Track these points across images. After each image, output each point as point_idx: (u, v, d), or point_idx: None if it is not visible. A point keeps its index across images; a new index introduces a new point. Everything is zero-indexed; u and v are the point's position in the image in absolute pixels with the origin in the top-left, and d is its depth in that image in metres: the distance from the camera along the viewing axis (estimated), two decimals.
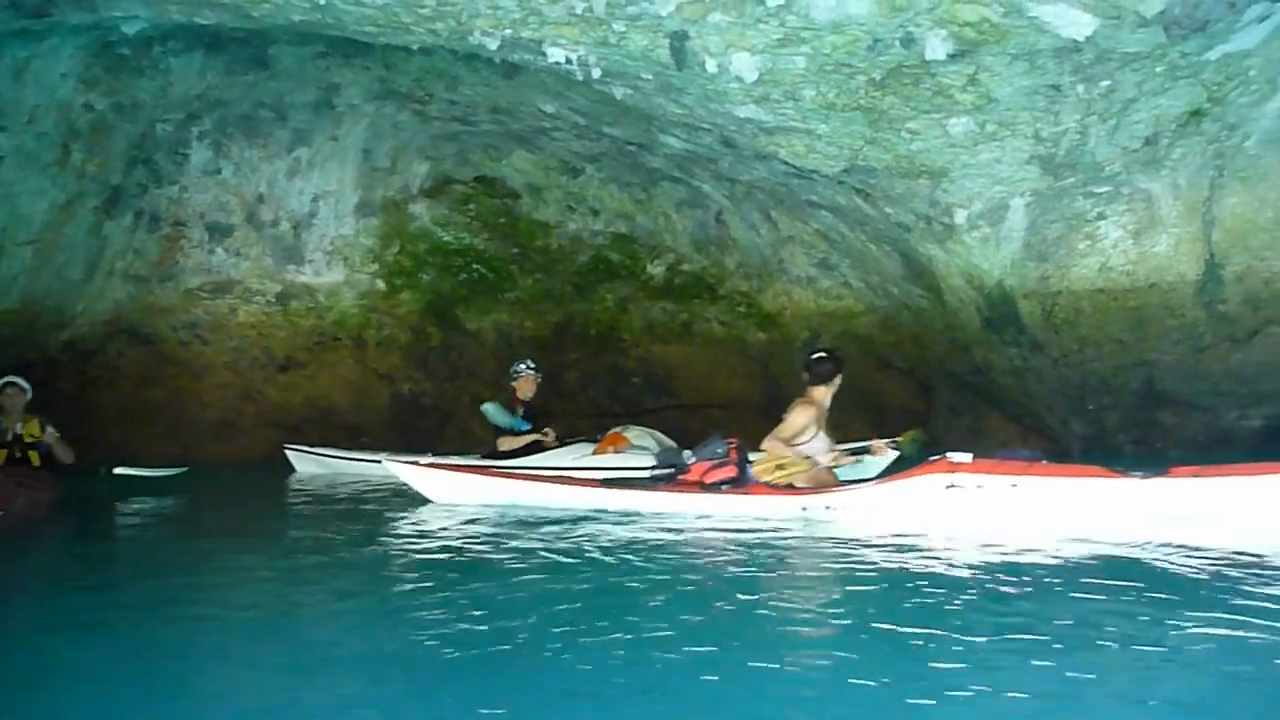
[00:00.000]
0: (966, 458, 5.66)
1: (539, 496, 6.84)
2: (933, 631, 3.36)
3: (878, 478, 6.39)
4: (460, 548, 5.39)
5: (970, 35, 6.18)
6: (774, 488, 6.25)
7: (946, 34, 6.20)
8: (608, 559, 4.88)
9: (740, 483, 6.34)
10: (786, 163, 8.04)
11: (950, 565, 4.49)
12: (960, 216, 8.08)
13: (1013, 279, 8.44)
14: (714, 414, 11.46)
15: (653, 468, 6.94)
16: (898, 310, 10.32)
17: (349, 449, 10.12)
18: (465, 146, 11.47)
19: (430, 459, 8.23)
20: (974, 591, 3.97)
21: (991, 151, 7.37)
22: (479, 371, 11.47)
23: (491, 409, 8.99)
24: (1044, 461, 5.75)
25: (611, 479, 6.94)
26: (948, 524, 5.54)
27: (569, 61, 7.07)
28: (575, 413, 11.84)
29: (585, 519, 6.19)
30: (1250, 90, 6.83)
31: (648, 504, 6.47)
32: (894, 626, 3.46)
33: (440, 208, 11.84)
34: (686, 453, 6.63)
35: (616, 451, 7.95)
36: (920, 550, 4.91)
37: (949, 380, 10.51)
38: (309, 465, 9.96)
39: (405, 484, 7.33)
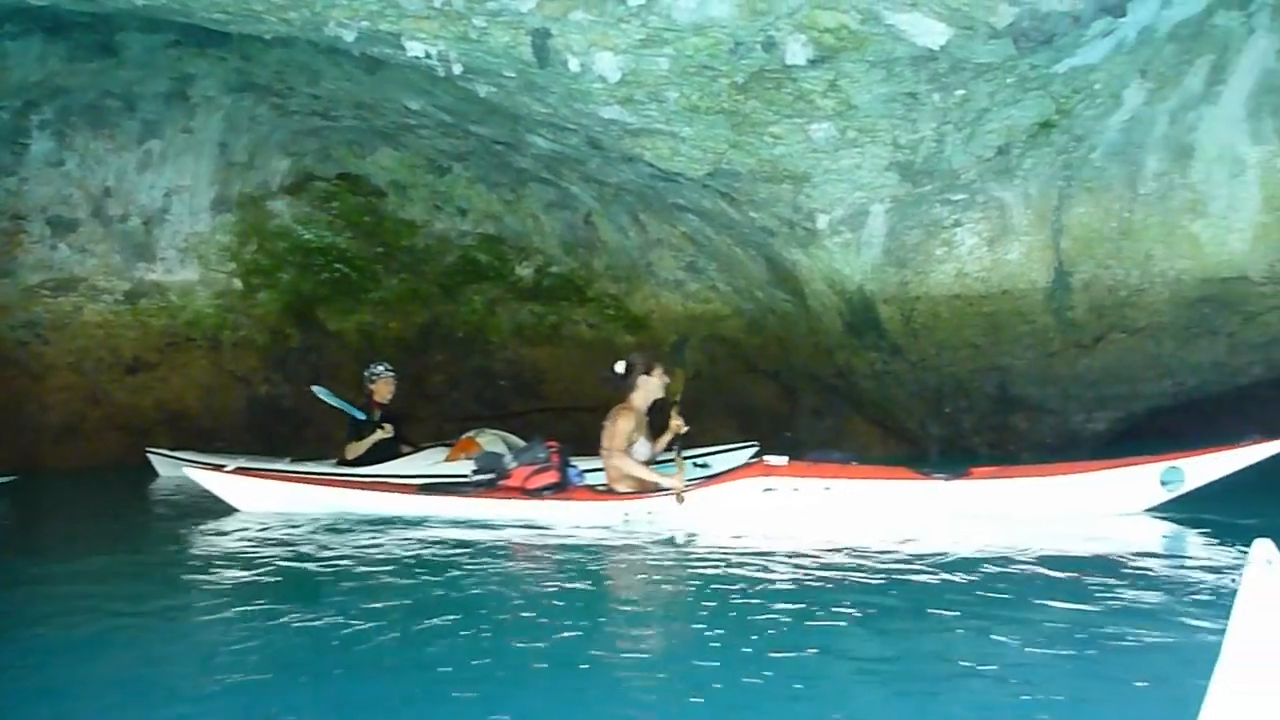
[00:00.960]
0: (782, 461, 5.92)
1: (352, 504, 6.68)
2: (747, 634, 3.52)
3: (697, 481, 6.52)
4: (268, 559, 5.28)
5: (830, 41, 6.24)
6: (596, 492, 6.28)
7: (807, 39, 6.23)
8: (421, 570, 4.87)
9: (562, 488, 6.32)
10: (652, 165, 8.00)
11: (764, 568, 4.65)
12: (822, 222, 8.17)
13: (873, 284, 8.58)
14: (583, 417, 11.34)
15: (474, 473, 6.78)
16: (763, 314, 10.41)
17: (205, 453, 9.72)
18: (328, 142, 11.13)
19: (238, 464, 7.77)
20: (787, 591, 4.19)
21: (852, 158, 7.45)
22: (340, 374, 11.12)
23: (322, 390, 8.83)
24: (854, 464, 6.06)
25: (431, 484, 6.81)
26: (765, 526, 5.76)
27: (429, 56, 6.88)
28: (441, 416, 11.62)
29: (405, 525, 6.15)
30: (1095, 104, 7.07)
31: (468, 510, 6.40)
32: (712, 630, 3.61)
33: (301, 205, 11.46)
34: (507, 457, 6.58)
35: (468, 458, 7.80)
36: (738, 553, 5.11)
37: (813, 383, 10.65)
38: (172, 470, 9.54)
39: (211, 493, 7.05)
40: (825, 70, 6.55)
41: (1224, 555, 4.78)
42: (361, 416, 8.78)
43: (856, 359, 9.48)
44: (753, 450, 8.43)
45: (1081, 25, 5.91)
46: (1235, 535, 5.07)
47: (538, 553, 5.39)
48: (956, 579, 4.35)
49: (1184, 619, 3.54)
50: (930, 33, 6.06)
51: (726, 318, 11.02)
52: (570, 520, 6.09)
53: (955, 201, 7.91)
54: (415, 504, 6.54)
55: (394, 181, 11.48)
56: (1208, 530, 5.33)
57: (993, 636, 3.46)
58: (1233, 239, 7.61)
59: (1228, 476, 5.51)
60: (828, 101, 6.87)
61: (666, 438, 6.66)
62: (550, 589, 4.43)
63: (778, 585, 4.31)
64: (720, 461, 8.34)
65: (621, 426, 6.33)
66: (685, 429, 6.66)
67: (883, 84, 6.66)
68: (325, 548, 5.48)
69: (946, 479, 5.80)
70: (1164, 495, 5.66)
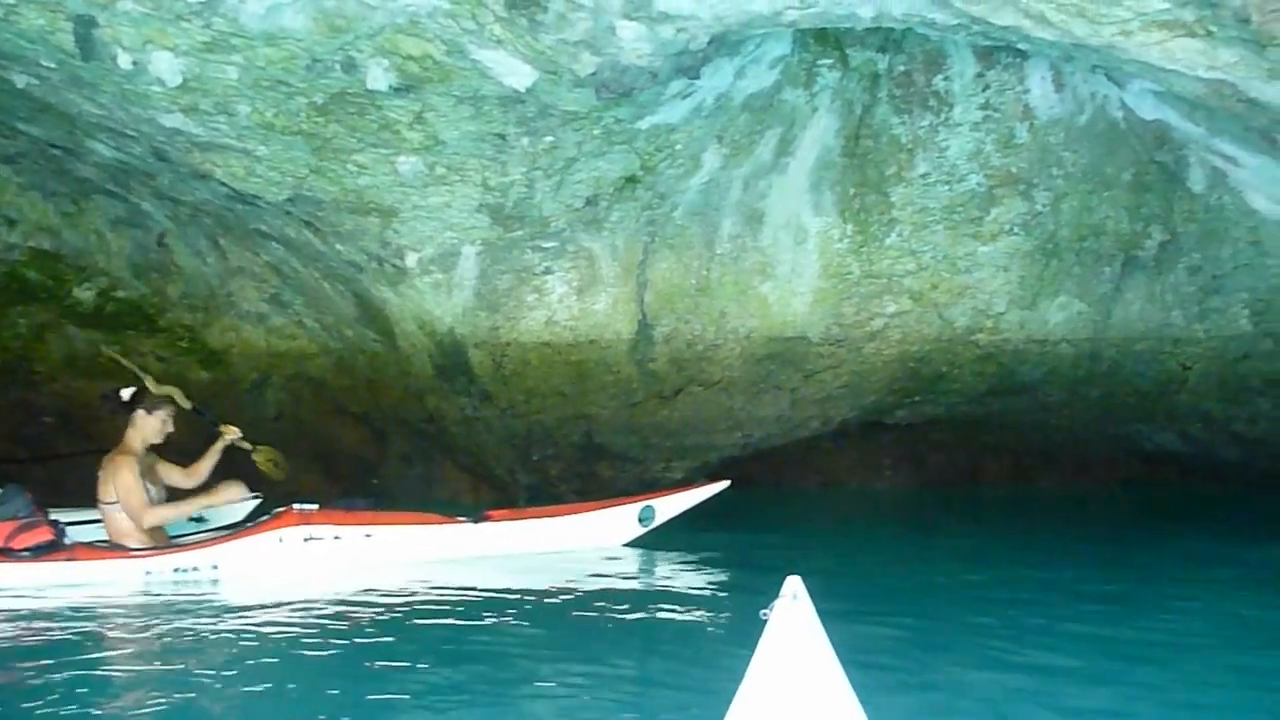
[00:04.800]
0: (312, 508, 5.99)
1: None
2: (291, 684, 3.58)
3: (227, 530, 6.20)
4: None
5: (414, 70, 5.98)
6: (105, 550, 5.58)
7: (389, 65, 5.93)
8: None
9: (59, 547, 5.50)
10: (225, 184, 7.33)
11: (317, 616, 4.70)
12: (412, 260, 7.86)
13: (464, 327, 8.37)
14: None
15: None
16: (353, 354, 9.89)
17: None
18: None
19: None
20: (338, 638, 4.29)
21: (442, 195, 7.22)
22: None
23: None
24: (365, 509, 6.39)
25: None
26: (308, 574, 5.80)
27: None
28: None
29: None
30: (677, 163, 7.31)
31: None
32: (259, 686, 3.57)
33: None
34: None
35: None
36: (283, 605, 5.08)
37: (403, 428, 10.26)
38: None
39: None
40: (411, 101, 6.27)
41: (698, 583, 6.02)
42: None
43: (447, 404, 9.22)
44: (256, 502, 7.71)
45: (660, 82, 6.04)
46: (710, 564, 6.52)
47: (37, 627, 4.61)
48: (487, 617, 4.75)
49: (679, 643, 4.11)
50: (516, 73, 5.96)
51: (313, 356, 10.36)
52: (77, 581, 5.32)
53: (546, 249, 7.88)
54: None
55: None
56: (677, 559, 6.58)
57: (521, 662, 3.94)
58: (795, 301, 8.16)
59: (688, 510, 7.03)
60: (414, 134, 6.59)
61: (212, 459, 6.19)
62: (50, 666, 3.77)
63: (332, 635, 4.32)
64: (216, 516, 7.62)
65: (127, 480, 5.65)
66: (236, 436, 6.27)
67: (471, 121, 6.49)
68: None
69: (472, 522, 6.40)
70: (641, 530, 6.98)
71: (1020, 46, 5.74)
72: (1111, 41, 4.60)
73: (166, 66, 5.91)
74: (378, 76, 5.99)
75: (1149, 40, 4.52)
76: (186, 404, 6.68)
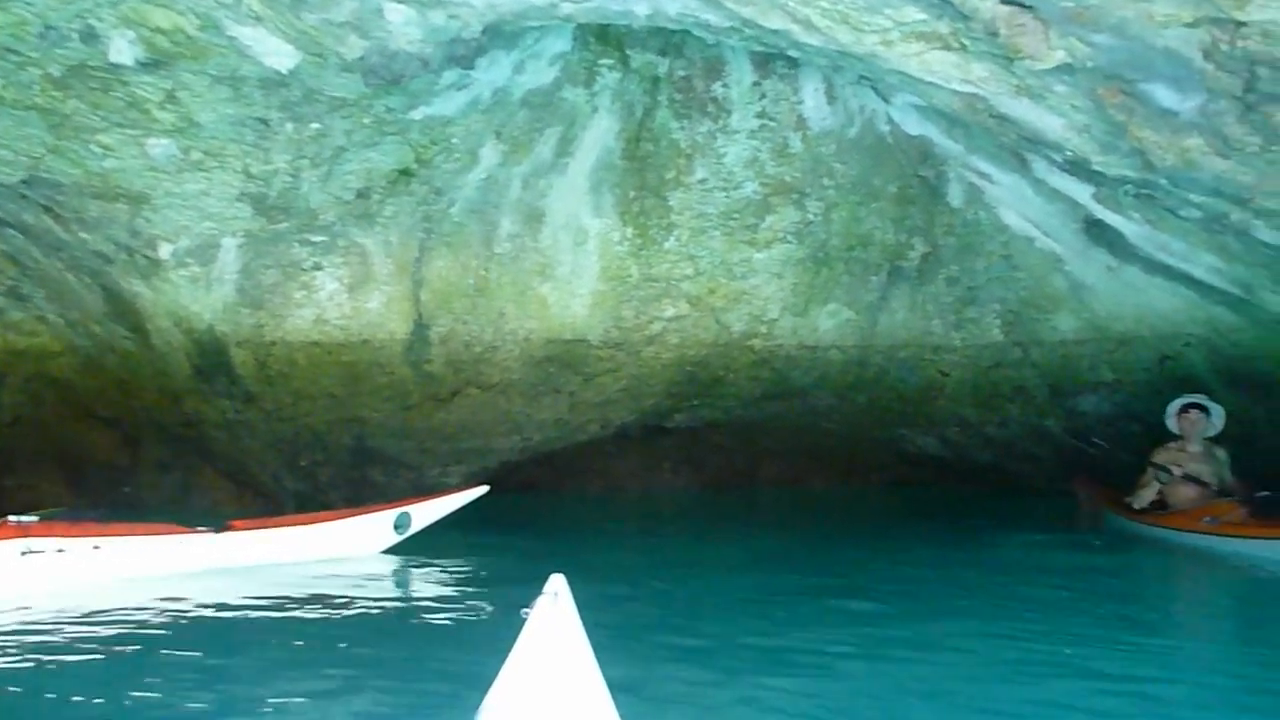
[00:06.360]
0: (32, 519, 5.49)
1: None
2: None
3: None
4: None
5: (164, 44, 5.54)
6: None
7: (136, 37, 5.47)
8: None
9: None
10: None
11: (35, 640, 4.29)
12: (165, 251, 7.32)
13: (225, 325, 7.86)
14: None
15: None
16: (102, 352, 9.14)
17: None
18: None
19: None
20: (57, 666, 3.94)
21: (198, 182, 6.74)
22: None
23: None
24: (92, 520, 5.86)
25: None
26: (26, 592, 5.25)
27: None
28: None
29: None
30: (453, 158, 7.11)
31: None
32: None
33: None
34: None
35: None
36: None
37: (158, 432, 9.56)
38: None
39: None
40: (161, 77, 5.81)
41: (459, 586, 5.93)
42: None
43: (207, 406, 8.64)
44: None
45: (432, 71, 5.84)
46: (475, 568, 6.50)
47: None
48: (231, 633, 4.53)
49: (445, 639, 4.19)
50: (278, 54, 5.63)
51: (57, 355, 9.50)
52: None
53: (315, 243, 7.50)
54: None
55: None
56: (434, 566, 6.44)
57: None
58: (575, 303, 8.08)
59: (450, 516, 6.91)
60: (167, 114, 6.12)
61: None
62: None
63: (50, 664, 3.98)
64: None
65: None
66: None
67: (230, 104, 6.09)
68: None
69: (214, 532, 6.07)
70: (397, 537, 6.82)
71: (792, 54, 5.85)
72: (874, 50, 4.73)
73: None
74: (122, 49, 5.52)
75: (908, 51, 4.67)
76: None
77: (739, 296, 8.37)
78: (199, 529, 6.05)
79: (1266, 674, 4.05)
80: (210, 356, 8.12)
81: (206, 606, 5.04)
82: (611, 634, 2.85)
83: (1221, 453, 7.87)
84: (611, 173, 7.63)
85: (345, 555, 6.58)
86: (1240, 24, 3.89)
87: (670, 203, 7.79)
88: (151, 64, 5.66)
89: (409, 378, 8.24)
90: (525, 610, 2.40)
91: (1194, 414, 7.84)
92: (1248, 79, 4.14)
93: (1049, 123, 5.20)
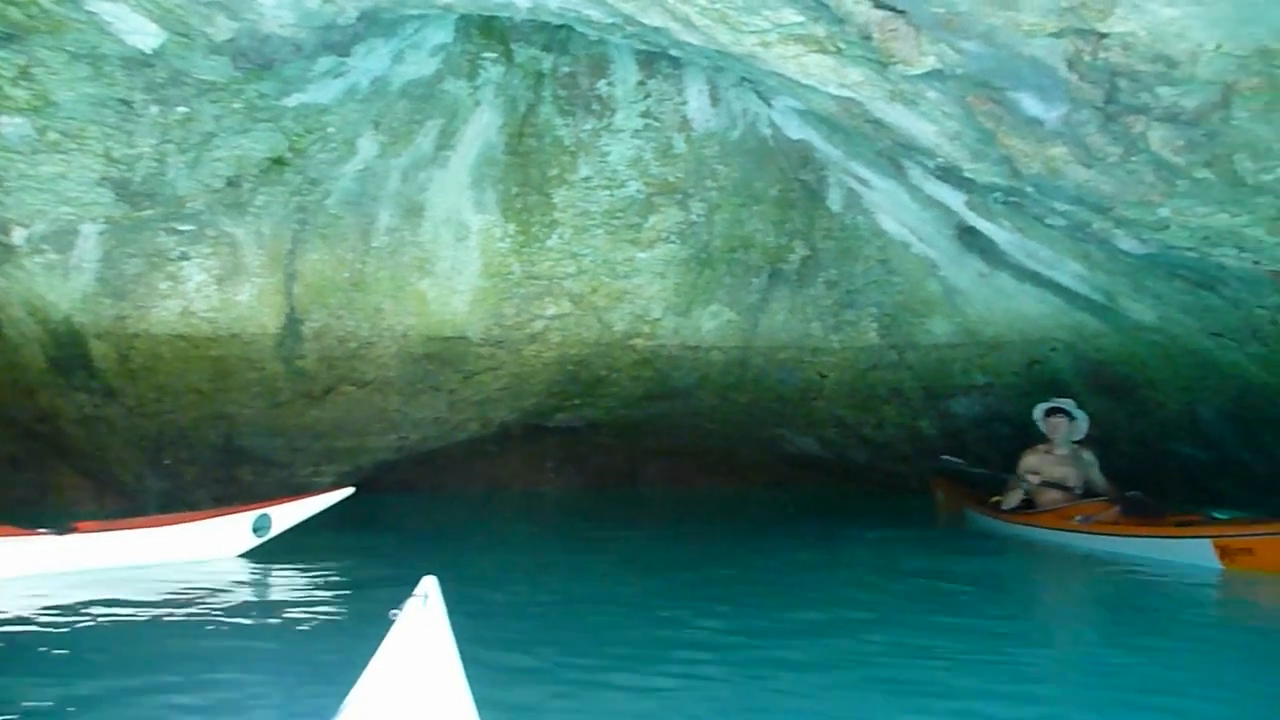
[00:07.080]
0: None
1: None
2: None
3: None
4: None
5: (17, 17, 5.23)
6: None
7: None
8: None
9: None
10: None
11: None
12: (19, 236, 6.94)
13: (84, 316, 7.50)
14: None
15: None
16: None
17: None
18: None
19: None
20: None
21: (55, 165, 6.39)
22: None
23: None
24: None
25: None
26: None
27: None
28: None
29: None
30: (329, 148, 6.91)
31: None
32: None
33: None
34: None
35: None
36: None
37: (10, 428, 9.07)
38: None
39: None
40: (15, 53, 5.49)
41: (324, 590, 5.70)
42: None
43: (63, 401, 8.23)
44: None
45: (305, 57, 5.65)
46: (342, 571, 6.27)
47: None
48: (76, 641, 4.28)
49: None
50: (142, 32, 5.37)
51: None
52: None
53: (182, 232, 7.21)
54: None
55: None
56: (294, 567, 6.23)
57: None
58: (455, 300, 7.95)
59: (309, 519, 6.67)
60: (20, 92, 5.79)
61: None
62: None
63: None
64: None
65: None
66: None
67: (90, 83, 5.78)
68: None
69: (57, 534, 5.80)
70: (257, 540, 6.55)
71: (674, 53, 5.84)
72: (753, 51, 4.74)
73: None
74: None
75: (786, 53, 4.69)
76: None
77: (621, 296, 8.34)
78: (40, 531, 5.74)
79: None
80: (67, 348, 7.74)
81: (45, 610, 4.77)
82: (482, 638, 2.77)
83: (1088, 455, 8.11)
84: (494, 168, 7.52)
85: (199, 558, 6.31)
86: (1103, 35, 4.00)
87: (554, 200, 7.71)
88: (4, 37, 5.35)
89: (280, 374, 7.98)
90: (394, 612, 2.36)
91: (1058, 418, 8.08)
92: (1109, 90, 4.26)
93: (922, 129, 5.29)
